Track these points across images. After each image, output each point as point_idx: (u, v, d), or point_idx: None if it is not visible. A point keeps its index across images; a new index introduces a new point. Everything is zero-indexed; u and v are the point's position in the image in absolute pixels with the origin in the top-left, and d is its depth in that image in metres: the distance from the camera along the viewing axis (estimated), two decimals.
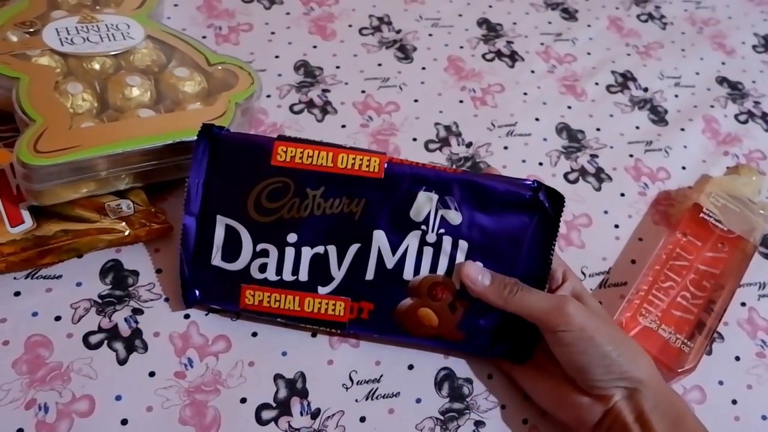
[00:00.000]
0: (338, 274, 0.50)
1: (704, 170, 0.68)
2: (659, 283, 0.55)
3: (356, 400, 0.49)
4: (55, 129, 0.50)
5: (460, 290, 0.49)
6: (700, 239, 0.58)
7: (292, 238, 0.49)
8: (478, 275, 0.48)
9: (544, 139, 0.68)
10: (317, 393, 0.49)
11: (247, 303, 0.50)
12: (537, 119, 0.69)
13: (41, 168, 0.48)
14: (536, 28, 0.79)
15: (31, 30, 0.58)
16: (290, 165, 0.49)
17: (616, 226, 0.62)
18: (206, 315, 0.52)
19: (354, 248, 0.49)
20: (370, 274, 0.49)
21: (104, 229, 0.52)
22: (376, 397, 0.50)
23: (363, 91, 0.69)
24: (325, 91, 0.68)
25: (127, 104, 0.55)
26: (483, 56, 0.75)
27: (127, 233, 0.52)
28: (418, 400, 0.50)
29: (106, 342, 0.49)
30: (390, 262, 0.49)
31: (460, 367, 0.52)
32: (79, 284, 0.52)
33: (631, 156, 0.68)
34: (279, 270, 0.49)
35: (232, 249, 0.50)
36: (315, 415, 0.48)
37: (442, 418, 0.50)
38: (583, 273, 0.59)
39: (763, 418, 0.53)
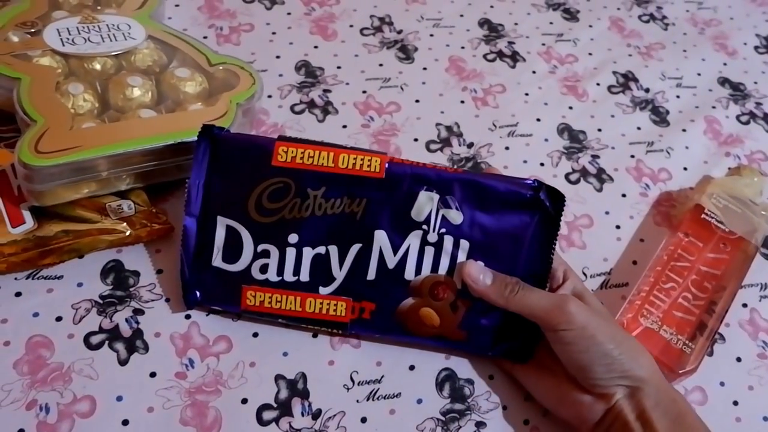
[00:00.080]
0: (339, 274, 0.50)
1: (706, 171, 0.68)
2: (661, 284, 0.55)
3: (357, 401, 0.49)
4: (56, 129, 0.50)
5: (461, 290, 0.49)
6: (702, 240, 0.58)
7: (293, 238, 0.49)
8: (479, 274, 0.48)
9: (546, 140, 0.68)
10: (318, 393, 0.49)
11: (249, 304, 0.50)
12: (538, 120, 0.69)
13: (42, 168, 0.48)
14: (538, 29, 0.79)
15: (32, 30, 0.58)
16: (291, 165, 0.49)
17: (618, 227, 0.62)
18: (207, 315, 0.52)
19: (355, 248, 0.49)
20: (371, 274, 0.49)
21: (105, 230, 0.52)
22: (377, 398, 0.50)
23: (364, 92, 0.69)
24: (326, 91, 0.68)
25: (128, 105, 0.55)
26: (484, 57, 0.75)
27: (128, 234, 0.52)
28: (419, 401, 0.50)
29: (107, 342, 0.49)
30: (391, 262, 0.49)
31: (462, 368, 0.52)
32: (80, 285, 0.52)
33: (632, 157, 0.68)
34: (280, 270, 0.49)
35: (232, 250, 0.50)
36: (316, 415, 0.48)
37: (443, 418, 0.50)
38: (585, 274, 0.59)
39: (765, 419, 0.53)
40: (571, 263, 0.53)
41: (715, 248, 0.58)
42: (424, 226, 0.49)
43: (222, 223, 0.50)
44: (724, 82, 0.77)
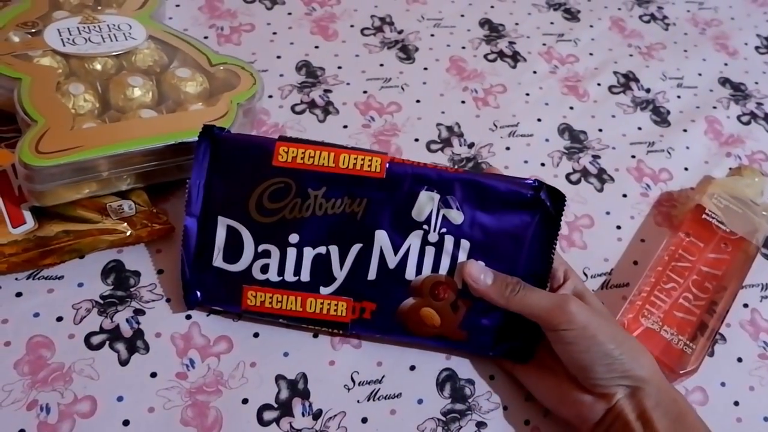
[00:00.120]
0: (340, 274, 0.50)
1: (707, 171, 0.68)
2: (661, 284, 0.55)
3: (358, 401, 0.49)
4: (57, 130, 0.50)
5: (462, 290, 0.49)
6: (703, 240, 0.58)
7: (294, 238, 0.49)
8: (480, 274, 0.48)
9: (546, 140, 0.68)
10: (319, 394, 0.49)
11: (249, 304, 0.50)
12: (539, 120, 0.69)
13: (43, 169, 0.48)
14: (538, 29, 0.79)
15: (33, 30, 0.58)
16: (292, 165, 0.49)
17: (618, 227, 0.62)
18: (208, 316, 0.52)
19: (356, 248, 0.49)
20: (372, 274, 0.49)
21: (106, 230, 0.52)
22: (378, 398, 0.50)
23: (365, 92, 0.69)
24: (326, 91, 0.68)
25: (128, 105, 0.55)
26: (485, 57, 0.75)
27: (128, 234, 0.52)
28: (420, 401, 0.50)
29: (107, 343, 0.49)
30: (392, 261, 0.49)
31: (462, 368, 0.52)
32: (80, 285, 0.52)
33: (633, 157, 0.68)
34: (281, 270, 0.49)
35: (233, 250, 0.50)
36: (317, 416, 0.48)
37: (443, 419, 0.50)
38: (585, 274, 0.59)
39: (765, 419, 0.53)
40: (572, 263, 0.53)
41: (715, 248, 0.58)
42: (425, 226, 0.49)
43: (223, 223, 0.50)
44: (725, 82, 0.77)
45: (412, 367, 0.52)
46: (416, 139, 0.66)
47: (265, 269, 0.49)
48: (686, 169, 0.68)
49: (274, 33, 0.72)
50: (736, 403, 0.53)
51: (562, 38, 0.78)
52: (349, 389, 0.50)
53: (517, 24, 0.79)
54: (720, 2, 0.87)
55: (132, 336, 0.50)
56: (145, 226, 0.53)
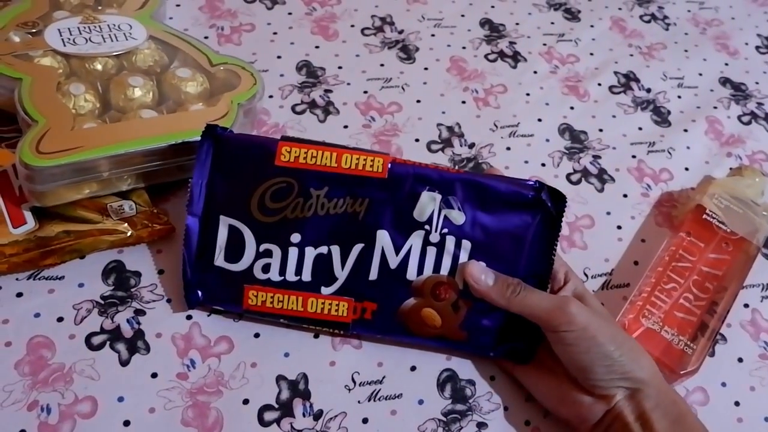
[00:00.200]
0: (341, 274, 0.50)
1: (707, 171, 0.68)
2: (662, 284, 0.55)
3: (359, 402, 0.49)
4: (58, 130, 0.50)
5: (463, 290, 0.49)
6: (703, 241, 0.58)
7: (295, 238, 0.49)
8: (481, 275, 0.48)
9: (547, 140, 0.68)
10: (320, 394, 0.49)
11: (250, 304, 0.50)
12: (539, 120, 0.69)
13: (44, 169, 0.48)
14: (539, 29, 0.79)
15: (34, 30, 0.58)
16: (294, 165, 0.49)
17: (619, 228, 0.62)
18: (208, 316, 0.52)
19: (357, 248, 0.49)
20: (373, 274, 0.49)
21: (106, 230, 0.52)
22: (379, 399, 0.50)
23: (365, 92, 0.69)
24: (327, 91, 0.68)
25: (129, 105, 0.55)
26: (485, 57, 0.75)
27: (129, 234, 0.52)
28: (421, 402, 0.50)
29: (108, 343, 0.49)
30: (393, 262, 0.49)
31: (463, 369, 0.52)
32: (81, 285, 0.52)
33: (633, 157, 0.68)
34: (282, 270, 0.49)
35: (235, 249, 0.50)
36: (317, 416, 0.48)
37: (444, 419, 0.50)
38: (586, 274, 0.59)
39: (766, 419, 0.53)
40: (573, 264, 0.53)
41: (716, 249, 0.58)
42: (426, 226, 0.49)
43: (224, 223, 0.50)
44: (725, 82, 0.77)
45: (413, 368, 0.52)
46: (417, 140, 0.66)
47: (266, 269, 0.49)
48: (687, 169, 0.68)
49: (275, 33, 0.72)
50: (737, 404, 0.53)
51: (562, 38, 0.78)
52: (349, 390, 0.50)
53: (517, 24, 0.79)
54: (720, 2, 0.87)
55: (133, 336, 0.50)
56: (146, 226, 0.53)
